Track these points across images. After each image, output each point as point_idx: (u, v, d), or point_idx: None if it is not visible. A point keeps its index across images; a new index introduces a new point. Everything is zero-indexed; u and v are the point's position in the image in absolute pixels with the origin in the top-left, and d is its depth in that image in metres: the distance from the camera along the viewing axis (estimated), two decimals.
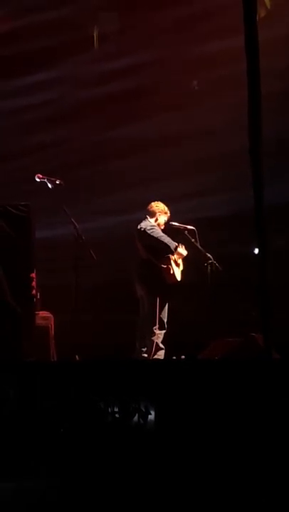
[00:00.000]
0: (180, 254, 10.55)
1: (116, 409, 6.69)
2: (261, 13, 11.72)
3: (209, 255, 10.62)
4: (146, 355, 10.33)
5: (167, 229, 10.73)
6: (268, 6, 12.30)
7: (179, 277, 10.59)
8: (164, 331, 10.45)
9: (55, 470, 6.53)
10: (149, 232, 10.54)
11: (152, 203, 10.80)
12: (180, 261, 10.63)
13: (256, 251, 7.88)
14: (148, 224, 10.63)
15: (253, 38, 6.50)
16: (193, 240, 10.65)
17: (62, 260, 10.75)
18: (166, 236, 10.56)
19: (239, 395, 6.45)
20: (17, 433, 6.75)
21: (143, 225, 10.64)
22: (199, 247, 10.63)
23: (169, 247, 10.49)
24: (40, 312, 9.89)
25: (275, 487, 6.01)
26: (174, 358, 10.13)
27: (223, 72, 11.87)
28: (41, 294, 9.93)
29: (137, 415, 6.62)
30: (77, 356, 9.47)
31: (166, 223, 10.76)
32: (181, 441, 6.43)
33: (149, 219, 10.70)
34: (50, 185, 9.96)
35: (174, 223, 10.78)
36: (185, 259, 10.63)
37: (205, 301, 10.71)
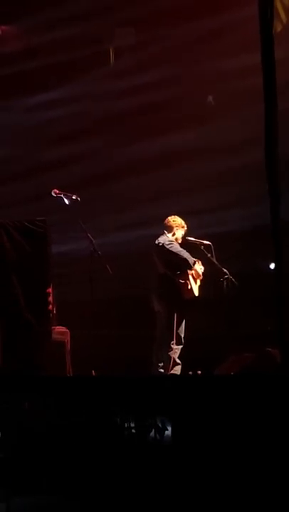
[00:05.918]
0: (197, 272, 10.50)
1: (132, 425, 6.66)
2: (277, 27, 11.72)
3: (225, 270, 10.59)
4: (162, 370, 10.30)
5: (184, 243, 10.69)
6: (284, 21, 12.29)
7: (196, 292, 10.54)
8: (180, 346, 10.42)
9: (70, 485, 6.51)
10: (167, 247, 10.49)
11: (169, 218, 10.74)
12: (200, 272, 10.56)
13: (272, 266, 7.85)
14: (166, 239, 10.58)
15: (270, 52, 6.51)
16: (209, 255, 10.61)
17: (78, 275, 10.74)
18: (185, 251, 10.51)
19: (256, 410, 6.41)
20: (32, 447, 6.73)
21: (161, 240, 10.59)
22: (215, 262, 10.60)
23: (187, 261, 10.43)
24: (57, 327, 9.89)
25: None
26: (191, 373, 10.09)
27: (239, 87, 11.89)
28: (57, 309, 9.93)
29: (153, 431, 6.59)
30: (93, 371, 9.45)
31: (184, 237, 10.71)
32: (197, 457, 6.39)
33: (166, 234, 10.65)
34: (66, 201, 9.97)
35: (190, 238, 10.74)
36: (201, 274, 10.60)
37: (221, 316, 10.67)
